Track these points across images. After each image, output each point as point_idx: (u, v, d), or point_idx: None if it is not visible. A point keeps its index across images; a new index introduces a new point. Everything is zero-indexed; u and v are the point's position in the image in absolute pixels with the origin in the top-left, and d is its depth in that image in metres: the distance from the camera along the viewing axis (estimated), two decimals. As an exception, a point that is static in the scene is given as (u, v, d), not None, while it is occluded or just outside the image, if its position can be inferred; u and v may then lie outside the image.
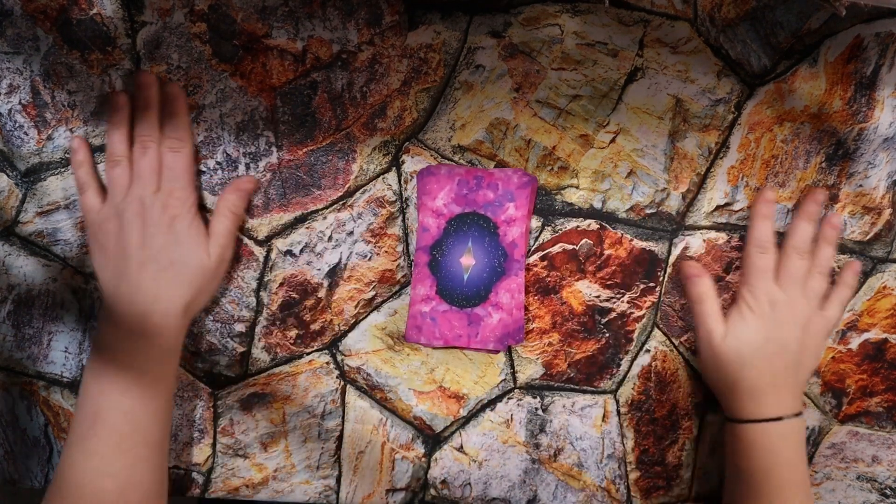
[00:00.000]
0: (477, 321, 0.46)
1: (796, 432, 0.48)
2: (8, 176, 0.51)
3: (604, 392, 0.55)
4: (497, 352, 0.50)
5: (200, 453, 0.56)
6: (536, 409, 0.55)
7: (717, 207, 0.53)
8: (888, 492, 0.57)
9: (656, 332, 0.55)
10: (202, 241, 0.47)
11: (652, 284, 0.54)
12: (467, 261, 0.45)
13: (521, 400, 0.55)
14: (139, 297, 0.44)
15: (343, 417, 0.55)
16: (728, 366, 0.48)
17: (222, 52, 0.49)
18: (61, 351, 0.54)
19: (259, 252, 0.53)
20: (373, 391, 0.55)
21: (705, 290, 0.50)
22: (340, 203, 0.52)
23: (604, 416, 0.56)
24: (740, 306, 0.49)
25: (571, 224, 0.53)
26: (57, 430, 0.55)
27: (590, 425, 0.56)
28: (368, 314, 0.54)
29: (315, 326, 0.54)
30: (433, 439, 0.56)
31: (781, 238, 0.52)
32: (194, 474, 0.56)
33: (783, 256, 0.50)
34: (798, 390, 0.49)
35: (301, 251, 0.53)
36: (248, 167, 0.51)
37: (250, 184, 0.50)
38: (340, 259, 0.53)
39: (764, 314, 0.48)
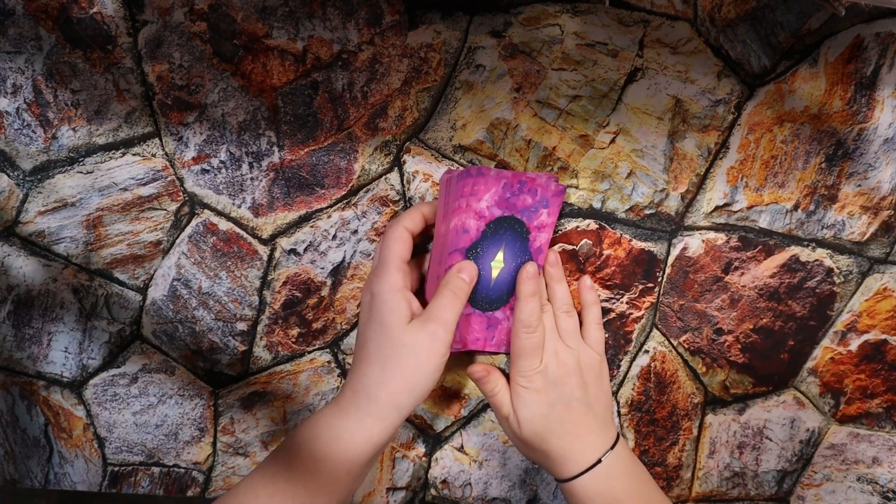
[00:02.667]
0: (495, 324, 0.45)
1: (622, 458, 0.45)
2: (8, 176, 0.49)
3: (604, 392, 0.53)
4: (507, 353, 0.48)
5: (201, 452, 0.54)
6: (536, 408, 0.53)
7: (717, 208, 0.51)
8: (890, 495, 0.55)
9: (655, 333, 0.53)
10: None
11: (651, 285, 0.52)
12: (498, 264, 0.44)
13: (521, 400, 0.53)
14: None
15: (344, 417, 0.53)
16: (533, 444, 0.46)
17: (223, 51, 0.47)
18: (61, 351, 0.52)
19: (263, 251, 0.51)
20: (373, 391, 0.53)
21: (493, 385, 0.47)
22: (344, 202, 0.50)
23: (604, 416, 0.54)
24: (517, 390, 0.46)
25: (571, 224, 0.51)
26: (57, 430, 0.53)
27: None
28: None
29: (317, 325, 0.52)
30: (434, 439, 0.54)
31: (778, 237, 0.50)
32: (195, 473, 0.54)
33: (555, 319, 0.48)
34: (603, 423, 0.47)
35: (305, 250, 0.51)
36: (251, 166, 0.49)
37: (475, 272, 0.45)
38: (344, 258, 0.51)
39: (538, 386, 0.45)
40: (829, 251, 0.51)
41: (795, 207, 0.51)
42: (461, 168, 0.44)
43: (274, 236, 0.51)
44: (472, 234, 0.44)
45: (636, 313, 0.52)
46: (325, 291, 0.51)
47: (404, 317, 0.40)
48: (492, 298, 0.45)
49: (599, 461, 0.44)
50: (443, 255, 0.44)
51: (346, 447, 0.39)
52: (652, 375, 0.53)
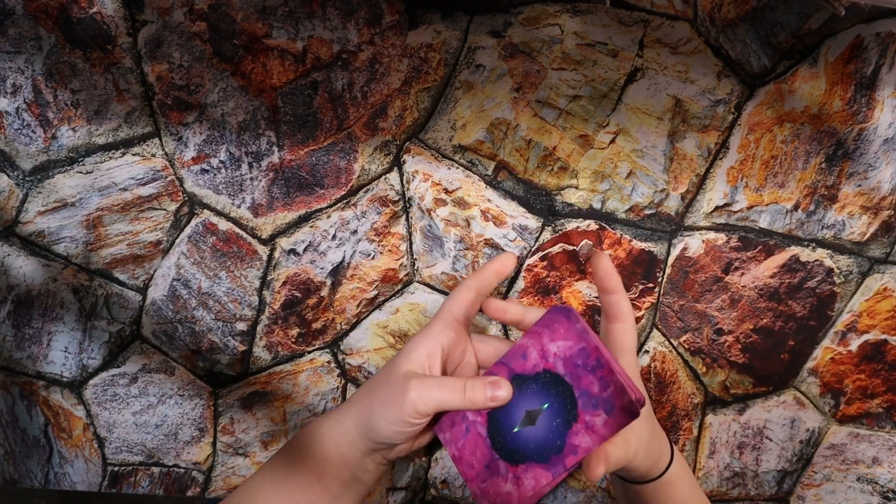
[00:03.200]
0: (494, 472, 0.37)
1: (680, 461, 0.42)
2: (8, 176, 0.48)
3: (603, 392, 0.53)
4: None
5: (201, 452, 0.53)
6: (536, 408, 0.53)
7: (717, 208, 0.50)
8: (890, 495, 0.54)
9: (655, 333, 0.52)
10: None
11: (651, 285, 0.52)
12: (530, 420, 0.39)
13: (521, 400, 0.52)
14: None
15: (343, 417, 0.53)
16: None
17: (223, 51, 0.47)
18: (61, 351, 0.51)
19: (262, 251, 0.50)
20: (373, 391, 0.53)
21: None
22: (344, 202, 0.50)
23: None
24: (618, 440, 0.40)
25: (572, 224, 0.50)
26: (57, 429, 0.53)
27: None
28: (370, 313, 0.52)
29: (317, 325, 0.52)
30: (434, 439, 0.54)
31: (773, 235, 0.49)
32: (194, 473, 0.54)
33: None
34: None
35: (305, 250, 0.50)
36: (250, 166, 0.49)
37: (506, 396, 0.38)
38: (344, 258, 0.51)
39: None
40: (829, 251, 0.51)
41: (795, 207, 0.50)
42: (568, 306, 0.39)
43: (273, 236, 0.50)
44: (527, 365, 0.38)
45: (636, 313, 0.52)
46: (324, 291, 0.51)
47: (412, 367, 0.37)
48: (505, 444, 0.39)
49: (668, 466, 0.41)
50: (499, 358, 0.40)
51: (350, 450, 0.38)
52: (652, 375, 0.53)
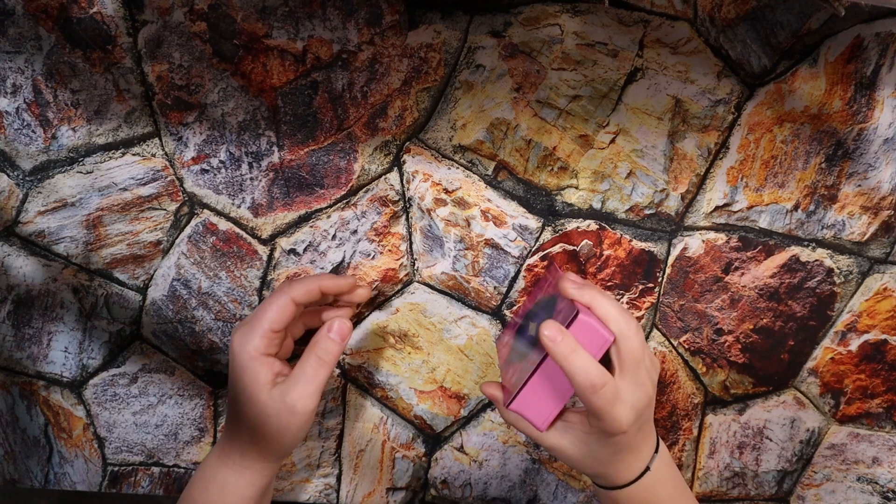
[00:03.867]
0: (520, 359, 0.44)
1: (664, 460, 0.41)
2: (8, 176, 0.48)
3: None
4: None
5: (201, 452, 0.53)
6: (536, 408, 0.52)
7: (717, 208, 0.50)
8: (890, 495, 0.54)
9: (655, 333, 0.52)
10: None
11: (651, 285, 0.51)
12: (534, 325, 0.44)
13: (521, 400, 0.52)
14: None
15: (344, 416, 0.53)
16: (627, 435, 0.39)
17: (223, 51, 0.47)
18: (61, 351, 0.51)
19: (263, 251, 0.50)
20: (374, 390, 0.52)
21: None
22: (344, 202, 0.50)
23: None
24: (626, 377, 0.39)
25: (572, 225, 0.50)
26: (57, 429, 0.53)
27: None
28: (370, 313, 0.52)
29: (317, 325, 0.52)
30: (434, 439, 0.54)
31: (771, 236, 0.49)
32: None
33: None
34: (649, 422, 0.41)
35: (305, 250, 0.50)
36: (250, 166, 0.49)
37: (347, 331, 0.42)
38: (344, 258, 0.50)
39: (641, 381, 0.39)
40: (829, 251, 0.51)
41: (795, 207, 0.50)
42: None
43: (273, 236, 0.50)
44: (532, 303, 0.47)
45: (636, 313, 0.52)
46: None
47: (265, 384, 0.40)
48: (522, 349, 0.44)
49: (648, 468, 0.40)
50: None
51: (234, 497, 0.42)
52: (652, 375, 0.53)
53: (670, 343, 0.52)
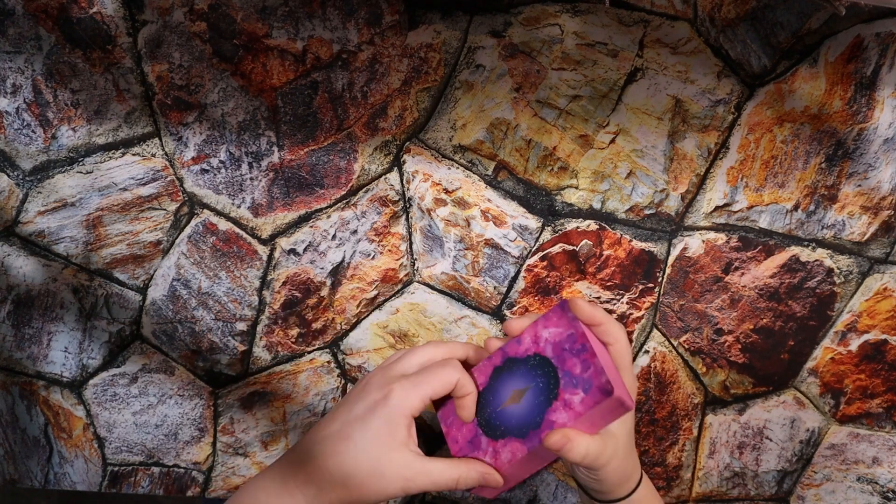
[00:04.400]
0: (476, 447, 0.40)
1: (647, 486, 0.43)
2: (8, 176, 0.48)
3: (603, 392, 0.52)
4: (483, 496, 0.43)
5: (201, 452, 0.53)
6: (536, 408, 0.52)
7: (717, 208, 0.50)
8: (890, 495, 0.54)
9: (655, 333, 0.52)
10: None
11: (651, 285, 0.51)
12: (515, 398, 0.41)
13: (520, 400, 0.52)
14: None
15: (343, 417, 0.53)
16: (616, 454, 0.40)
17: (223, 51, 0.46)
18: (61, 351, 0.51)
19: (262, 251, 0.50)
20: (373, 391, 0.52)
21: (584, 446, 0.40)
22: (344, 202, 0.49)
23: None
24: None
25: (572, 225, 0.50)
26: (57, 429, 0.52)
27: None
28: (370, 313, 0.52)
29: (317, 325, 0.51)
30: (434, 439, 0.53)
31: (771, 235, 0.49)
32: (194, 473, 0.53)
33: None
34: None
35: (305, 250, 0.50)
36: (250, 166, 0.49)
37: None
38: (344, 258, 0.50)
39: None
40: (829, 251, 0.51)
41: (795, 207, 0.50)
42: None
43: (273, 236, 0.50)
44: (520, 350, 0.41)
45: (636, 313, 0.52)
46: (324, 291, 0.51)
47: (400, 443, 0.38)
48: (488, 420, 0.41)
49: (636, 488, 0.41)
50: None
51: None
52: (652, 376, 0.53)
53: (670, 343, 0.52)
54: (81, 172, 0.48)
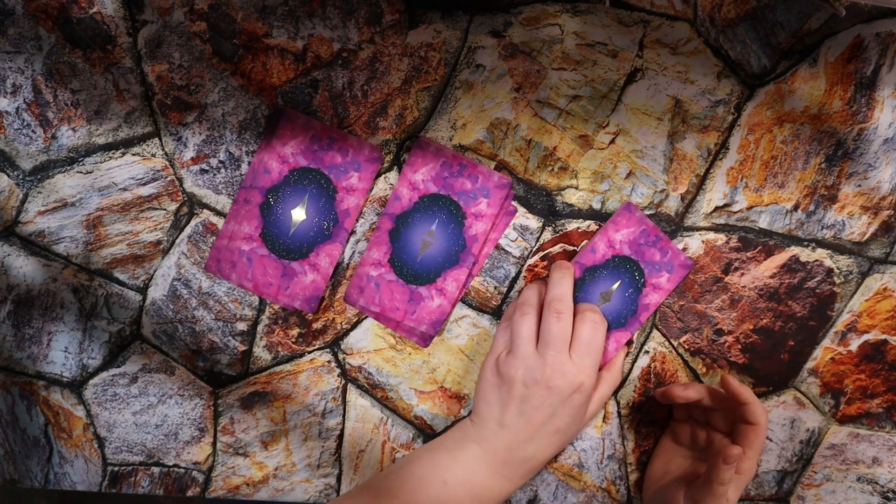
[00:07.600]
0: (418, 300, 0.44)
1: None
2: (8, 176, 0.48)
3: (603, 392, 0.52)
4: (427, 337, 0.47)
5: (201, 452, 0.53)
6: (536, 408, 0.52)
7: (716, 208, 0.50)
8: (890, 495, 0.54)
9: (655, 334, 0.52)
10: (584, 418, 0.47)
11: (651, 285, 0.51)
12: (428, 240, 0.43)
13: (521, 400, 0.52)
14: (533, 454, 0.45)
15: (344, 416, 0.52)
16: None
17: (223, 51, 0.46)
18: (61, 351, 0.51)
19: (261, 252, 0.50)
20: (374, 390, 0.52)
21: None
22: (342, 203, 0.49)
23: (604, 417, 0.53)
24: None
25: (572, 225, 0.50)
26: (57, 429, 0.52)
27: (590, 426, 0.53)
28: (369, 314, 0.51)
29: (317, 325, 0.51)
30: (434, 439, 0.53)
31: (770, 237, 0.49)
32: (194, 473, 0.53)
33: None
34: None
35: (303, 251, 0.50)
36: (251, 166, 0.48)
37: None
38: (344, 258, 0.50)
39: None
40: (829, 251, 0.50)
41: (795, 208, 0.50)
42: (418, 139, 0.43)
43: (274, 236, 0.50)
44: (403, 203, 0.44)
45: (636, 313, 0.51)
46: (324, 291, 0.50)
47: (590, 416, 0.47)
48: (417, 272, 0.44)
49: None
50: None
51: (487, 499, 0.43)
52: (652, 376, 0.52)
53: (670, 343, 0.52)
54: (81, 172, 0.48)
